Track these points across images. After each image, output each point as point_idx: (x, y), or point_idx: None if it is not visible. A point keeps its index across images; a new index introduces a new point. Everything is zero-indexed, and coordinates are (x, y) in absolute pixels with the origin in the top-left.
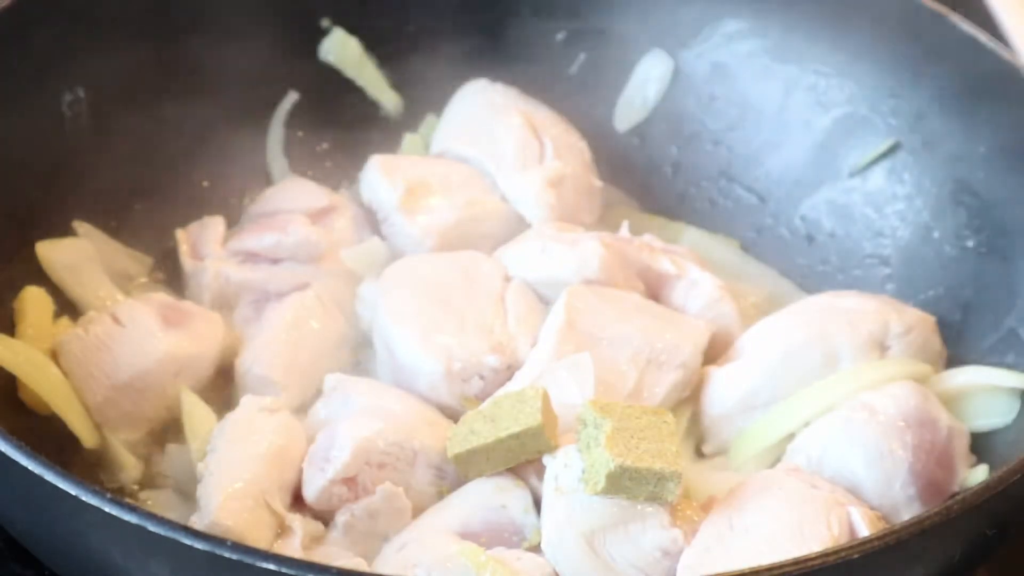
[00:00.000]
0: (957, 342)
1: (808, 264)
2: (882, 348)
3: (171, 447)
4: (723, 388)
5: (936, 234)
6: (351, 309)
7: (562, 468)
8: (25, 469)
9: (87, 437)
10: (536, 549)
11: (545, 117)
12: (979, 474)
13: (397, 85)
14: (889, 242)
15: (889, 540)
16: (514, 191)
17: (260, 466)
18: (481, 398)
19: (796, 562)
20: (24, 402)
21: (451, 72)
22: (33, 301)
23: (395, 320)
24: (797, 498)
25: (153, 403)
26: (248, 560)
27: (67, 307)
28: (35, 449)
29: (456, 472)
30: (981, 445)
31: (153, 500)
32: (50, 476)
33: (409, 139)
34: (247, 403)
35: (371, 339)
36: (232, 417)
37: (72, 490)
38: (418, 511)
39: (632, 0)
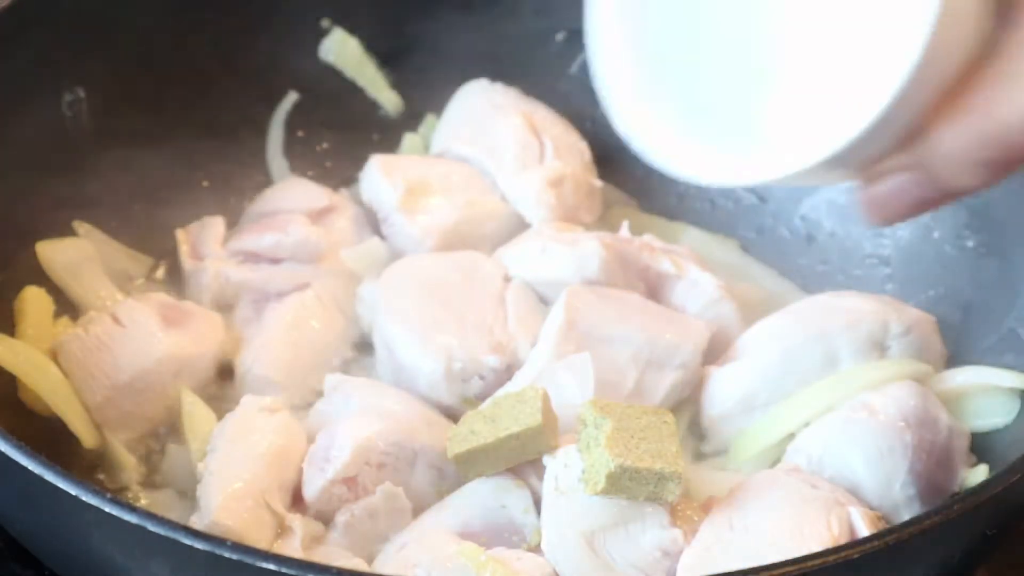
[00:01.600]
0: (957, 342)
1: (808, 264)
2: (882, 348)
3: (171, 447)
4: (723, 388)
5: (936, 234)
6: (351, 309)
7: (562, 468)
8: (25, 469)
9: (87, 437)
10: (536, 549)
11: (545, 117)
12: (979, 474)
13: (397, 85)
14: (889, 242)
15: (889, 540)
16: (514, 191)
17: (260, 466)
18: (481, 398)
19: (796, 562)
20: (24, 402)
21: (451, 72)
22: (33, 301)
23: (395, 320)
24: (797, 498)
25: (153, 403)
26: (248, 560)
27: (67, 307)
28: (35, 449)
29: (456, 472)
30: (981, 445)
31: (153, 500)
32: (50, 476)
33: (409, 139)
34: (247, 403)
35: (371, 339)
36: (232, 417)
37: (72, 490)
38: (418, 511)
39: None
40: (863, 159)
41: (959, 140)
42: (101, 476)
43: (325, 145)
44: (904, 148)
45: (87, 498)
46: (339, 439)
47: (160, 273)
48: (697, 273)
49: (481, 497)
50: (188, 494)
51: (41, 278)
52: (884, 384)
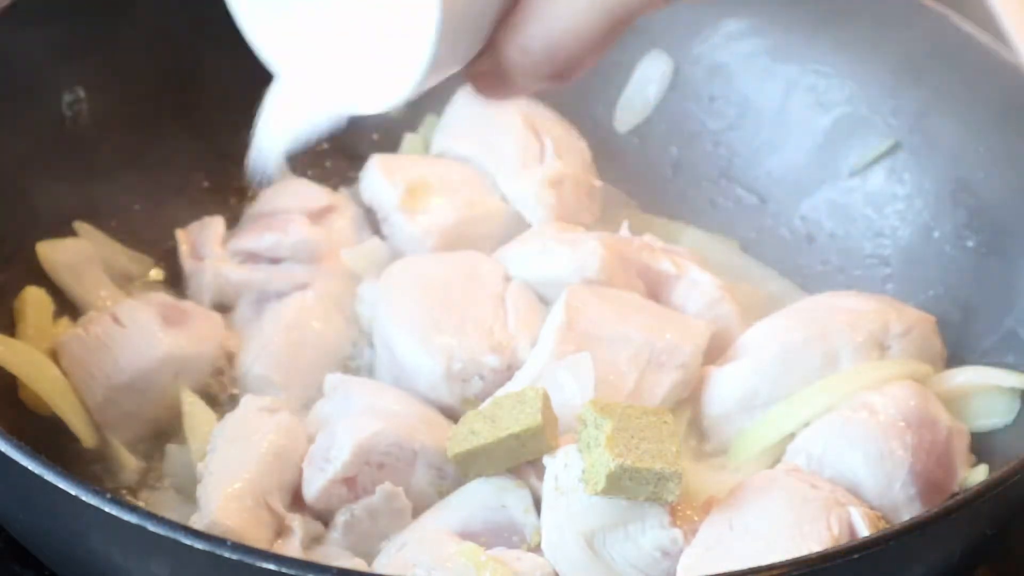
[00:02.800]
0: (957, 342)
1: (808, 264)
2: (882, 348)
3: (171, 447)
4: (723, 388)
5: (936, 234)
6: (351, 309)
7: (562, 468)
8: (25, 469)
9: (87, 437)
10: (536, 549)
11: (545, 117)
12: (979, 474)
13: None
14: (889, 242)
15: (889, 540)
16: (514, 191)
17: (260, 466)
18: (481, 398)
19: (796, 562)
20: (24, 402)
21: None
22: (33, 301)
23: (395, 320)
24: (797, 498)
25: (153, 403)
26: (248, 560)
27: (67, 307)
28: (35, 449)
29: (456, 472)
30: (981, 445)
31: (153, 500)
32: (50, 476)
33: (409, 139)
34: (247, 403)
35: (371, 339)
36: (232, 417)
37: (72, 490)
38: (418, 511)
39: None
40: (449, 68)
41: (518, 56)
42: (101, 476)
43: (325, 145)
44: (488, 55)
45: (87, 498)
46: (339, 439)
47: (160, 273)
48: (697, 273)
49: (481, 497)
50: (188, 494)
51: (41, 278)
52: (884, 384)
